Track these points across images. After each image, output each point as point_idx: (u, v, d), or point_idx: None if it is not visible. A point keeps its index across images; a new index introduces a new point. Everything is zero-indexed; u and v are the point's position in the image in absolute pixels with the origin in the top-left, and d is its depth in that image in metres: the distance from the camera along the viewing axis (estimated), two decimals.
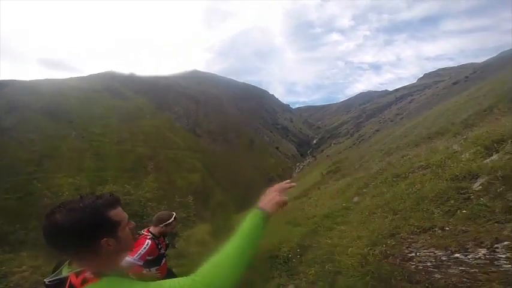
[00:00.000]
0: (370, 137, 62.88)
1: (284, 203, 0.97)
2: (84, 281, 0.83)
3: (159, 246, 2.53)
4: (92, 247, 0.87)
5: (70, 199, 0.93)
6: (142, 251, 2.33)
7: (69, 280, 0.85)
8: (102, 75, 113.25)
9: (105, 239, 0.88)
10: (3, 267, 4.39)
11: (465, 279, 1.86)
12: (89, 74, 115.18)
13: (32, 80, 76.56)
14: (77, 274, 0.86)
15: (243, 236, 0.88)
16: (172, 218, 2.64)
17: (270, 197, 0.98)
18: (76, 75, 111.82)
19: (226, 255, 0.84)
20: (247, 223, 0.90)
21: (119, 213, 0.95)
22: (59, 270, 0.93)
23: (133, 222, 1.03)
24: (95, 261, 0.89)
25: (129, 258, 2.20)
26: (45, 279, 0.91)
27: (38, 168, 39.13)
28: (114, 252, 0.93)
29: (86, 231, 0.85)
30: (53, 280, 0.89)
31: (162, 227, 2.58)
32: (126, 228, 0.97)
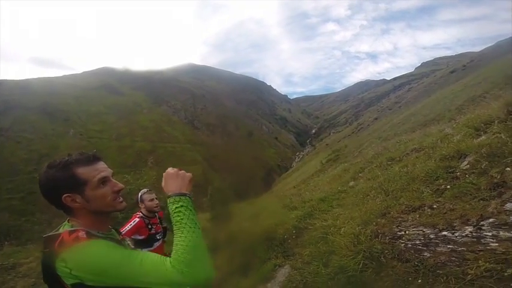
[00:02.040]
0: (369, 125, 62.81)
1: (192, 178, 1.03)
2: (76, 240, 0.84)
3: (150, 227, 2.60)
4: (60, 202, 0.92)
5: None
6: (128, 227, 2.44)
7: (61, 237, 0.85)
8: (96, 71, 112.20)
9: (67, 194, 0.90)
10: (11, 259, 4.52)
11: (453, 258, 1.90)
12: (82, 71, 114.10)
13: (24, 79, 75.61)
14: (70, 232, 0.87)
15: (192, 220, 0.91)
16: (140, 193, 2.73)
17: (180, 180, 1.00)
18: (68, 73, 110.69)
19: (178, 248, 0.86)
20: (186, 211, 0.92)
21: (89, 170, 0.94)
22: (58, 227, 0.96)
23: (120, 185, 1.01)
24: (75, 217, 0.94)
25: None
26: (43, 235, 0.93)
27: (38, 167, 39.07)
28: (87, 210, 0.94)
29: (51, 186, 0.91)
30: (48, 236, 0.90)
31: (143, 205, 2.68)
32: (104, 187, 0.95)
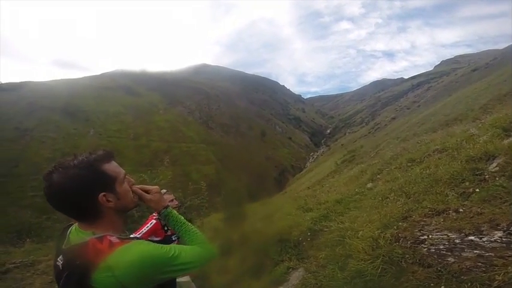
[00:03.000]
0: (386, 125, 61.40)
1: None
2: (112, 245, 0.80)
3: (166, 228, 2.54)
4: (91, 204, 0.85)
5: (65, 158, 0.89)
6: (144, 229, 2.39)
7: (90, 246, 0.80)
8: (114, 73, 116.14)
9: (103, 193, 0.86)
10: (31, 256, 4.65)
11: (480, 264, 1.79)
12: (100, 72, 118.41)
13: (47, 81, 79.32)
14: (99, 239, 0.81)
15: (184, 223, 1.13)
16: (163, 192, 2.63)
17: (157, 198, 1.11)
18: (87, 74, 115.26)
19: (196, 237, 1.10)
20: (178, 218, 1.13)
21: (114, 166, 0.93)
22: (67, 236, 0.90)
23: (132, 179, 1.02)
24: (98, 220, 0.88)
25: (131, 236, 2.30)
26: (63, 246, 0.87)
27: None
28: (116, 209, 0.91)
29: (83, 186, 0.83)
30: (71, 247, 0.83)
31: None
32: (125, 183, 0.95)
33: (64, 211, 0.85)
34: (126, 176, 0.98)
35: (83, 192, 0.84)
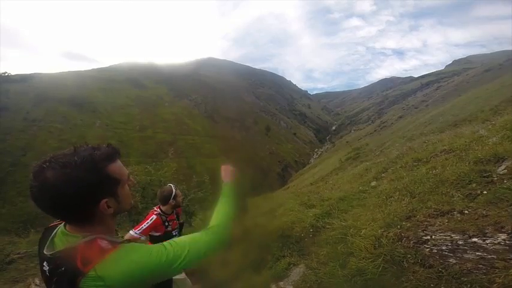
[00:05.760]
0: (392, 123, 60.80)
1: (234, 171, 1.34)
2: (102, 251, 0.73)
3: (166, 224, 2.56)
4: (90, 209, 0.76)
5: (62, 151, 0.78)
6: (145, 225, 2.41)
7: (79, 251, 0.71)
8: (121, 65, 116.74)
9: (105, 200, 0.77)
10: (36, 247, 4.72)
11: (481, 266, 1.79)
12: (108, 65, 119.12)
13: (56, 73, 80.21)
14: (87, 244, 0.73)
15: (228, 200, 1.18)
16: (174, 189, 2.64)
17: (226, 172, 1.32)
18: (96, 67, 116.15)
19: (224, 214, 1.11)
20: (226, 192, 1.22)
21: (119, 167, 0.82)
22: (50, 239, 0.82)
23: (132, 179, 0.92)
24: (91, 224, 0.79)
25: (131, 232, 2.35)
26: (45, 252, 0.78)
27: None
28: (114, 214, 0.84)
29: (86, 191, 0.73)
30: (57, 253, 0.75)
31: (172, 202, 2.61)
32: (126, 186, 0.86)
33: (52, 213, 0.75)
34: (130, 177, 0.88)
35: (84, 198, 0.74)
